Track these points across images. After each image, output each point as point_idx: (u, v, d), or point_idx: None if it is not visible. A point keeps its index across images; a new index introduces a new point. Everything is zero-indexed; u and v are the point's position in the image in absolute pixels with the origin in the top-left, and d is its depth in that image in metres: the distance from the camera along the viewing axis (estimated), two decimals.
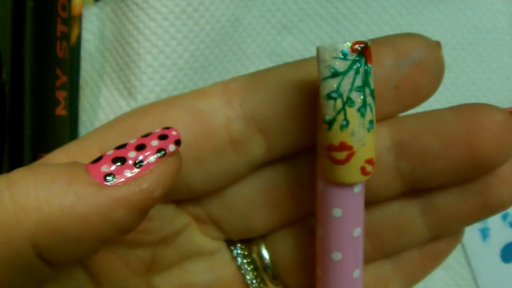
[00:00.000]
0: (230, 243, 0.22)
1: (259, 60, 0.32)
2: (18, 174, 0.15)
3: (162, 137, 0.16)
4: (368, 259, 0.21)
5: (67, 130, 0.28)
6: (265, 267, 0.22)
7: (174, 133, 0.16)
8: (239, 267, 0.22)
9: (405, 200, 0.20)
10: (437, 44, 0.19)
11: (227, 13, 0.30)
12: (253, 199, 0.20)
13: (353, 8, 0.33)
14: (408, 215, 0.20)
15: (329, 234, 0.19)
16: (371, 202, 0.20)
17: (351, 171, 0.17)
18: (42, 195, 0.15)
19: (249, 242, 0.22)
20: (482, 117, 0.18)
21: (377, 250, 0.21)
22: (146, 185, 0.15)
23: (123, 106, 0.29)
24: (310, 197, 0.20)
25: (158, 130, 0.16)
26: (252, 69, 0.32)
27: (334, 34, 0.33)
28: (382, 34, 0.33)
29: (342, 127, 0.17)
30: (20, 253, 0.15)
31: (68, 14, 0.28)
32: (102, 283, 0.19)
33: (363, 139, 0.17)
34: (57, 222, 0.15)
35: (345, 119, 0.16)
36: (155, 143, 0.16)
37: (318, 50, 0.16)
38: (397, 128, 0.19)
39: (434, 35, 0.34)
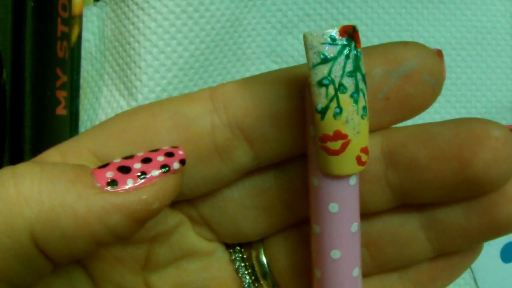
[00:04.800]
0: (229, 246, 0.22)
1: (259, 60, 0.32)
2: (25, 166, 0.16)
3: (169, 154, 0.17)
4: (368, 272, 0.20)
5: (67, 129, 0.28)
6: (264, 273, 0.21)
7: (180, 152, 0.17)
8: (236, 270, 0.22)
9: (405, 213, 0.20)
10: (436, 53, 0.18)
11: (227, 13, 0.30)
12: (243, 203, 0.20)
13: (353, 8, 0.33)
14: (408, 228, 0.20)
15: (326, 232, 0.18)
16: (362, 214, 0.19)
17: (346, 161, 0.17)
18: (45, 190, 0.15)
19: (249, 246, 0.22)
20: (477, 131, 0.17)
21: (377, 263, 0.20)
22: (145, 197, 0.16)
23: (124, 106, 0.29)
24: (301, 203, 0.20)
25: (166, 148, 0.17)
26: (252, 69, 0.32)
27: None
28: (382, 34, 0.34)
29: (336, 115, 0.16)
30: (20, 243, 0.15)
31: (69, 14, 0.28)
32: (97, 279, 0.20)
33: (357, 126, 0.16)
34: (56, 218, 0.15)
35: (339, 106, 0.16)
36: (161, 158, 0.17)
37: (305, 36, 0.16)
38: (387, 138, 0.18)
39: (434, 35, 0.34)
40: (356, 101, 0.16)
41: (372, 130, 0.18)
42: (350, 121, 0.16)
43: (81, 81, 0.30)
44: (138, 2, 0.28)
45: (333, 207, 0.18)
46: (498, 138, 0.17)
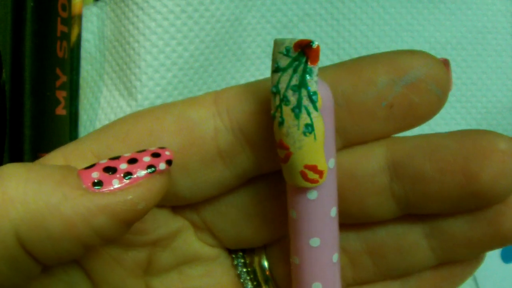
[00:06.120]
0: (232, 251, 0.22)
1: (259, 60, 0.32)
2: (11, 168, 0.16)
3: (155, 155, 0.17)
4: (371, 279, 0.21)
5: (67, 129, 0.28)
6: (266, 278, 0.21)
7: (167, 153, 0.17)
8: (238, 276, 0.22)
9: (409, 222, 0.19)
10: (443, 63, 0.18)
11: (227, 13, 0.30)
12: (245, 209, 0.20)
13: (353, 8, 0.33)
14: (411, 236, 0.19)
15: (289, 236, 0.19)
16: (365, 223, 0.19)
17: (291, 173, 0.17)
18: (30, 191, 0.15)
19: (251, 252, 0.22)
20: (484, 144, 0.17)
21: (380, 270, 0.20)
22: (130, 197, 0.16)
23: (123, 106, 0.29)
24: None
25: (153, 148, 0.17)
26: (252, 69, 0.32)
27: (334, 34, 0.33)
28: (382, 34, 0.33)
29: (279, 125, 0.16)
30: (6, 244, 0.15)
31: (68, 14, 0.28)
32: (98, 282, 0.19)
33: (298, 142, 0.16)
34: (41, 219, 0.15)
35: (281, 116, 0.16)
36: (147, 159, 0.16)
37: (274, 42, 0.16)
38: (392, 149, 0.18)
39: (434, 35, 0.34)
40: (297, 116, 0.16)
41: (375, 138, 0.18)
42: (290, 134, 0.16)
43: (81, 81, 0.30)
44: (138, 2, 0.28)
45: (293, 213, 0.18)
46: (504, 151, 0.17)
